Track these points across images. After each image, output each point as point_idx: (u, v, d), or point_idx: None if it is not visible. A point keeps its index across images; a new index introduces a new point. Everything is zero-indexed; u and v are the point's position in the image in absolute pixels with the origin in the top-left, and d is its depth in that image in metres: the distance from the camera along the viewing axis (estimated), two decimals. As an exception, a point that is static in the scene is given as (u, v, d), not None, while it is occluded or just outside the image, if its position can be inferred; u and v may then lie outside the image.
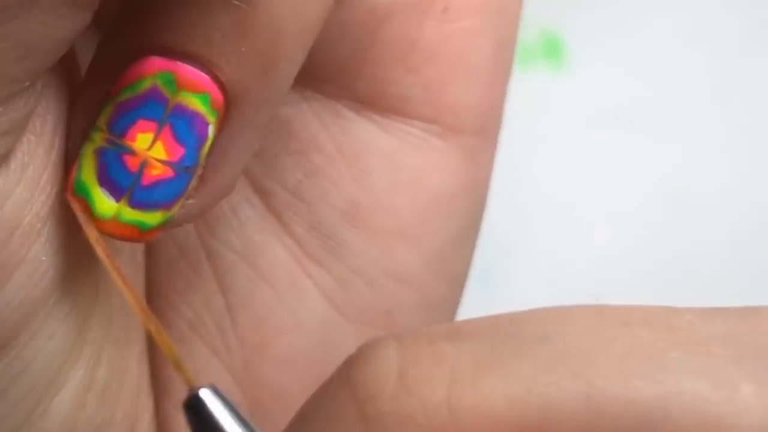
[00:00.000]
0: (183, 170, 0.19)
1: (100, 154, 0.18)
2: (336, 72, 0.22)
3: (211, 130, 0.18)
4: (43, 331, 0.19)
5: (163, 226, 0.19)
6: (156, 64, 0.18)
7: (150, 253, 0.23)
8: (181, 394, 0.21)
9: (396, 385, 0.16)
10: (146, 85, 0.18)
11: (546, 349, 0.16)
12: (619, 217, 0.39)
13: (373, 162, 0.22)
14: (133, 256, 0.23)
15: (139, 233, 0.19)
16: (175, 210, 0.19)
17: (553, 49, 0.39)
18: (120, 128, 0.18)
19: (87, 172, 0.18)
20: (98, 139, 0.18)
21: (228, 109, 0.18)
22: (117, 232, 0.19)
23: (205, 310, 0.22)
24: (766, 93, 0.39)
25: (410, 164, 0.22)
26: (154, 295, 0.23)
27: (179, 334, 0.22)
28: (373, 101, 0.22)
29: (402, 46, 0.22)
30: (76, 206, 0.18)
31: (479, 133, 0.23)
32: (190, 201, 0.19)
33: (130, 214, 0.19)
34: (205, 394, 0.16)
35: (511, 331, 0.16)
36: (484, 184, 0.24)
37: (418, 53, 0.22)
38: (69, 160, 0.19)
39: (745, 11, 0.39)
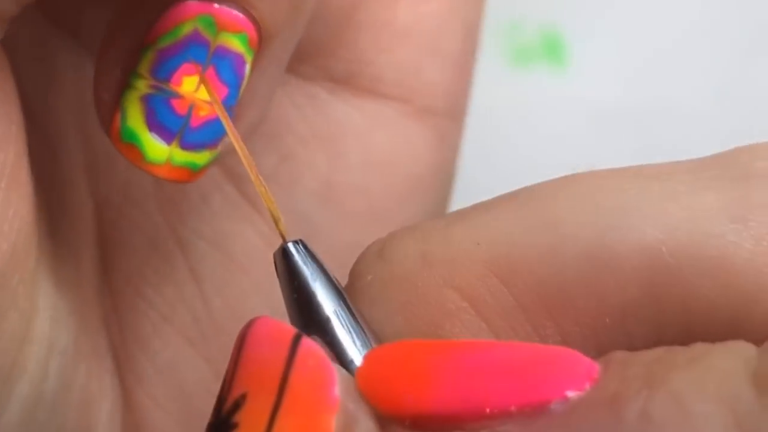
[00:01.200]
0: (227, 109, 0.19)
1: (147, 101, 0.18)
2: (312, 53, 0.22)
3: (247, 68, 0.19)
4: None
5: (209, 165, 0.19)
6: (194, 8, 0.18)
7: (119, 245, 0.23)
8: (148, 372, 0.22)
9: (375, 261, 0.17)
10: (187, 29, 0.18)
11: (513, 201, 0.17)
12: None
13: (347, 143, 0.23)
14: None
15: (189, 174, 0.19)
16: (219, 149, 0.19)
17: (552, 49, 0.39)
18: (164, 73, 0.18)
19: (133, 118, 0.18)
20: (142, 86, 0.18)
21: (260, 47, 0.19)
22: (170, 176, 0.19)
23: (178, 301, 0.22)
24: (766, 93, 0.39)
25: (384, 145, 0.23)
26: (124, 287, 0.23)
27: (152, 326, 0.22)
28: (347, 81, 0.22)
29: (377, 27, 0.22)
30: (125, 153, 0.19)
31: (449, 114, 0.24)
32: (227, 139, 0.19)
33: (182, 156, 0.19)
34: (294, 247, 0.17)
35: (483, 202, 0.17)
36: (452, 165, 0.24)
37: (392, 34, 0.22)
38: (103, 112, 0.19)
39: (745, 11, 0.39)
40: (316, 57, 0.22)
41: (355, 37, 0.22)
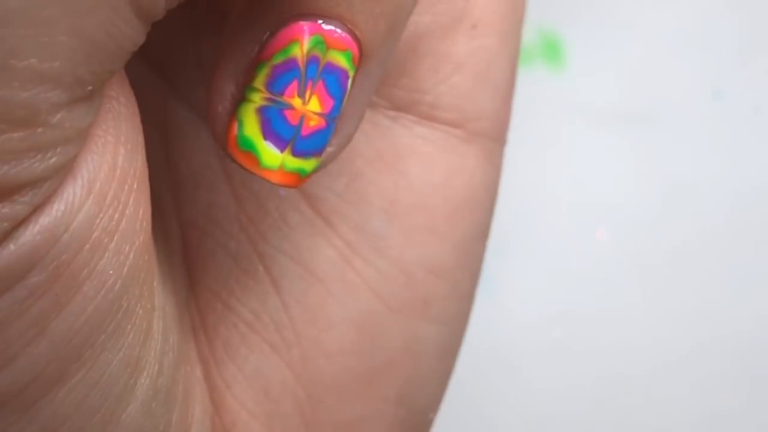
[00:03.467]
0: (332, 120, 0.21)
1: (263, 112, 0.20)
2: None
3: (349, 83, 0.21)
4: (111, 344, 0.20)
5: (314, 172, 0.21)
6: (305, 28, 0.20)
7: (205, 263, 0.25)
8: (237, 378, 0.24)
9: None
10: (299, 47, 0.20)
11: None
12: (619, 217, 0.38)
13: (409, 164, 0.25)
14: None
15: (298, 179, 0.21)
16: (323, 157, 0.21)
17: (551, 49, 0.39)
18: (279, 87, 0.20)
19: (250, 128, 0.20)
20: (257, 98, 0.20)
21: (360, 64, 0.21)
22: (282, 180, 0.21)
23: (262, 310, 0.24)
24: (766, 93, 0.39)
25: (441, 166, 0.25)
26: (213, 301, 0.25)
27: (240, 335, 0.24)
28: (408, 108, 0.25)
29: (436, 59, 0.25)
30: (241, 159, 0.21)
31: (496, 137, 0.26)
32: (329, 148, 0.21)
33: (293, 163, 0.21)
34: None
35: None
36: (497, 185, 0.26)
37: (449, 65, 0.25)
38: (218, 123, 0.21)
39: (744, 11, 0.39)
40: (381, 86, 0.24)
41: (416, 67, 0.24)
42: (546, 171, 0.39)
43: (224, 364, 0.24)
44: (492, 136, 0.26)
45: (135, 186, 0.19)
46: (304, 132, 0.21)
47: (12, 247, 0.18)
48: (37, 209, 0.18)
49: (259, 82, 0.20)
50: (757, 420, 0.38)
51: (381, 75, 0.22)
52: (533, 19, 0.39)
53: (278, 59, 0.20)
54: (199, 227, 0.25)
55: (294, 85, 0.20)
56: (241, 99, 0.20)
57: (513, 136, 0.39)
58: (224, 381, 0.24)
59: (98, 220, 0.19)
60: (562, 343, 0.38)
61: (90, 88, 0.18)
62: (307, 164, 0.21)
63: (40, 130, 0.17)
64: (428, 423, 0.26)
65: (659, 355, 0.38)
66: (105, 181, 0.19)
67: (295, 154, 0.21)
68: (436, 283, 0.25)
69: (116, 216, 0.19)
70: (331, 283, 0.24)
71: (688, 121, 0.39)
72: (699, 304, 0.38)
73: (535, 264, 0.38)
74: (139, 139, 0.20)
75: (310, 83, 0.20)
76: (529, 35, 0.39)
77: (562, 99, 0.39)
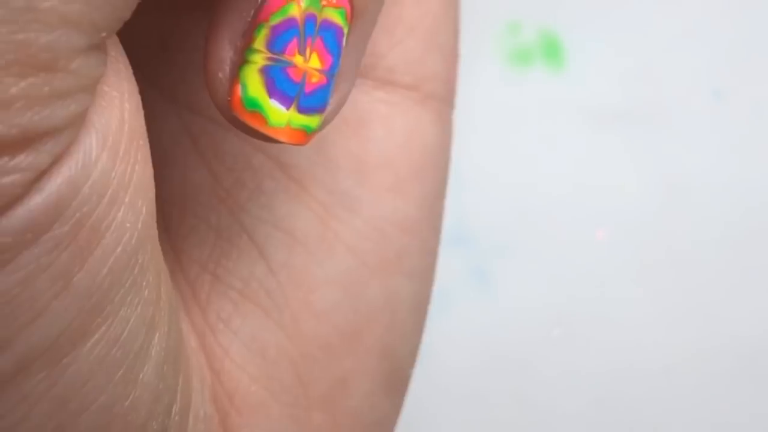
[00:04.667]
0: (331, 76, 0.21)
1: (266, 71, 0.21)
2: None
3: (344, 41, 0.21)
4: (129, 300, 0.20)
5: (318, 129, 0.22)
6: None
7: (189, 238, 0.26)
8: (235, 345, 0.25)
9: None
10: (296, 6, 0.21)
11: None
12: (619, 217, 0.38)
13: (372, 128, 0.26)
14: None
15: (305, 136, 0.22)
16: (325, 114, 0.22)
17: (551, 49, 0.39)
18: (280, 46, 0.21)
19: (254, 88, 0.21)
20: (259, 59, 0.21)
21: (353, 22, 0.21)
22: (290, 138, 0.21)
23: (251, 277, 0.25)
24: (766, 93, 0.39)
25: (402, 128, 0.26)
26: (204, 274, 0.25)
27: (233, 302, 0.25)
28: (366, 74, 0.26)
29: (388, 23, 0.25)
30: (249, 120, 0.21)
31: (447, 99, 0.27)
32: (329, 106, 0.22)
33: (299, 119, 0.21)
34: None
35: None
36: (450, 146, 0.27)
37: (401, 29, 0.25)
38: (219, 89, 0.21)
39: (745, 11, 0.39)
40: None
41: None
42: (546, 171, 0.39)
43: (220, 331, 0.25)
44: (443, 98, 0.27)
45: (141, 143, 0.20)
46: (308, 89, 0.21)
47: (38, 198, 0.18)
48: (57, 159, 0.18)
49: (259, 43, 0.21)
50: (758, 419, 0.38)
51: (371, 32, 0.22)
52: (533, 19, 0.39)
53: (276, 19, 0.21)
54: (178, 204, 0.25)
55: (294, 44, 0.21)
56: (241, 62, 0.21)
57: (514, 136, 0.39)
58: (222, 347, 0.25)
59: (113, 174, 0.19)
60: (562, 343, 0.38)
61: (104, 34, 0.18)
62: (312, 121, 0.21)
63: (60, 75, 0.17)
64: (408, 377, 0.27)
65: (659, 354, 0.38)
66: (116, 135, 0.19)
67: (301, 110, 0.21)
68: (406, 239, 0.26)
69: (128, 170, 0.19)
70: (312, 246, 0.25)
71: (688, 121, 0.39)
72: (699, 304, 0.38)
73: (535, 264, 0.38)
74: (139, 99, 0.20)
75: (309, 40, 0.21)
76: (528, 35, 0.39)
77: (562, 99, 0.39)
